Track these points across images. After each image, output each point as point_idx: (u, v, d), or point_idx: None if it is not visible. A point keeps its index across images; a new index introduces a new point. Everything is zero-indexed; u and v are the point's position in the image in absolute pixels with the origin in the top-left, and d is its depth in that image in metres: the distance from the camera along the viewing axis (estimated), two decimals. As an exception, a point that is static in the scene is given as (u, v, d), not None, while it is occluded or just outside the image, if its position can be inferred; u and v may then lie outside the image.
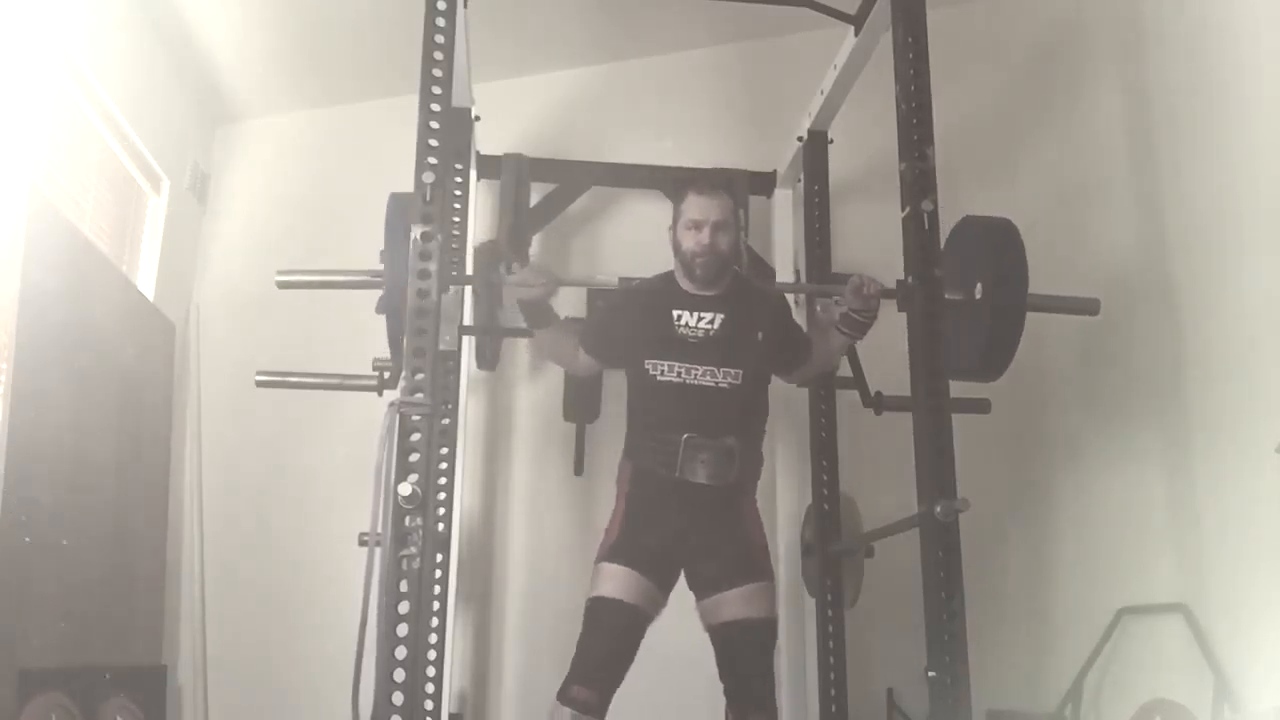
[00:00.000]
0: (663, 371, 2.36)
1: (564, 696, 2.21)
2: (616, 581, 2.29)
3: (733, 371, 2.36)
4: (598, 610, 2.28)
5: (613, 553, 2.34)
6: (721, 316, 2.39)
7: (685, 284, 2.45)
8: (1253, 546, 2.43)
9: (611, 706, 2.27)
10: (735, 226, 2.47)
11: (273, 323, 3.66)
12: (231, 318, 3.70)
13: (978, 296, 2.52)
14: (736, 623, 2.29)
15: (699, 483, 2.30)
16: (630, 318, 2.48)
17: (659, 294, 2.46)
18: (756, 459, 2.46)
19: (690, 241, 2.40)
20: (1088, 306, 2.67)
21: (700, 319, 2.39)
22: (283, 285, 2.47)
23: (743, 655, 2.30)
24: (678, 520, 2.34)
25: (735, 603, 2.30)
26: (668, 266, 3.78)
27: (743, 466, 2.36)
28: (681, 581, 2.39)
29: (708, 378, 2.35)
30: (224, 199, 3.89)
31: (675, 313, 2.39)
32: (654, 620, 2.32)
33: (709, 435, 2.31)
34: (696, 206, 2.42)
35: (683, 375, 2.35)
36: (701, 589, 2.35)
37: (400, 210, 2.41)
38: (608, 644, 2.25)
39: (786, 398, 3.50)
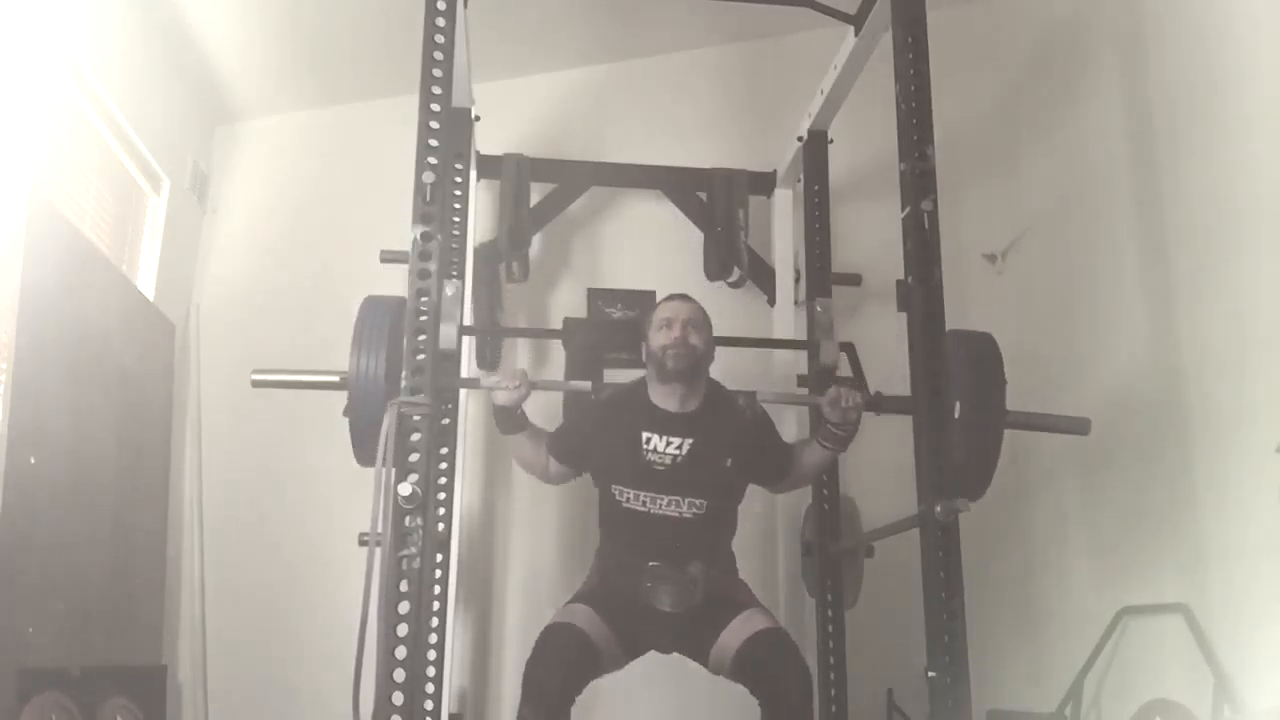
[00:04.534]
0: (628, 499, 2.37)
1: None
2: (576, 615, 2.30)
3: (698, 502, 2.36)
4: (551, 631, 2.24)
5: (584, 596, 2.38)
6: (690, 442, 2.37)
7: (658, 394, 2.42)
8: (1253, 546, 2.44)
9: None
10: (708, 331, 2.45)
11: (273, 323, 3.67)
12: (231, 318, 3.70)
13: (956, 415, 2.36)
14: (744, 644, 2.26)
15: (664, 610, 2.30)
16: (599, 433, 2.47)
17: (630, 409, 2.43)
18: (728, 562, 2.46)
19: (662, 338, 2.39)
20: (1076, 426, 2.54)
21: (669, 444, 2.37)
22: (258, 384, 2.42)
23: (769, 664, 2.23)
24: (648, 626, 2.35)
25: (734, 633, 2.29)
26: (665, 269, 3.85)
27: (708, 588, 2.33)
28: None
29: (672, 508, 2.35)
30: (224, 199, 3.89)
31: (644, 435, 2.38)
32: (605, 670, 2.30)
33: (673, 564, 2.31)
34: (667, 308, 2.45)
35: (647, 505, 2.36)
36: (702, 655, 2.35)
37: (372, 314, 2.36)
38: (553, 662, 2.18)
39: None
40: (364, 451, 2.31)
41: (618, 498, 2.39)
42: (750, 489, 2.55)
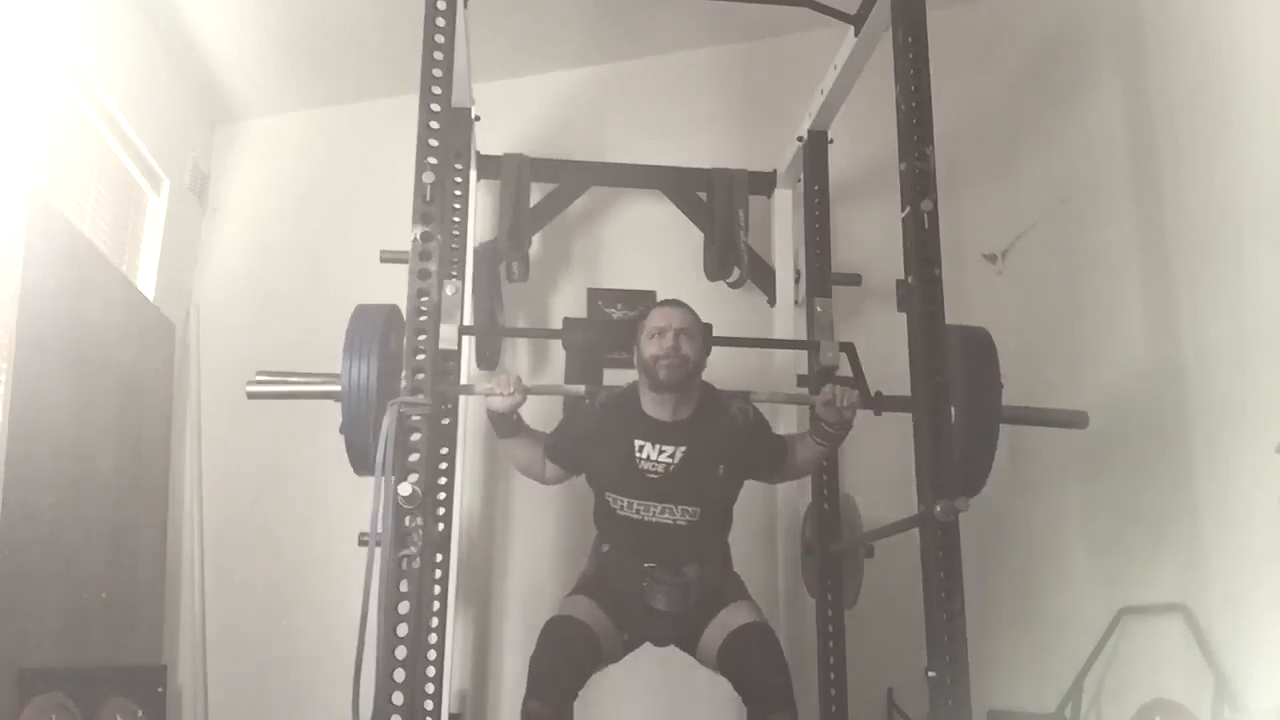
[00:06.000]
0: (622, 506, 2.40)
1: (523, 712, 2.21)
2: (578, 607, 2.35)
3: (690, 509, 2.38)
4: (553, 625, 2.30)
5: (583, 587, 2.42)
6: (683, 450, 2.38)
7: (650, 403, 2.42)
8: (1252, 547, 2.43)
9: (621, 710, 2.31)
10: (700, 339, 2.43)
11: (273, 323, 3.67)
12: (231, 318, 3.71)
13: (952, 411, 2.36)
14: (728, 638, 2.31)
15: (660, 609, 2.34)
16: (593, 439, 2.47)
17: (622, 418, 2.43)
18: (719, 572, 2.48)
19: (654, 347, 2.37)
20: (1074, 420, 2.54)
21: (661, 452, 2.38)
22: (252, 396, 2.43)
23: (747, 659, 2.30)
24: (644, 621, 2.39)
25: (720, 626, 2.34)
26: (665, 269, 3.85)
27: (704, 589, 2.38)
28: None
29: (665, 515, 2.38)
30: (224, 199, 3.89)
31: (637, 443, 2.38)
32: (605, 661, 2.35)
33: (668, 567, 2.35)
34: (660, 315, 2.43)
35: (641, 513, 2.38)
36: (690, 644, 2.40)
37: (363, 324, 2.35)
38: (561, 652, 2.24)
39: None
40: (360, 461, 2.32)
41: (612, 505, 2.42)
42: (747, 491, 2.56)
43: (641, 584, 2.35)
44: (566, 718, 2.21)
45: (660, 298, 3.79)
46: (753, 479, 2.58)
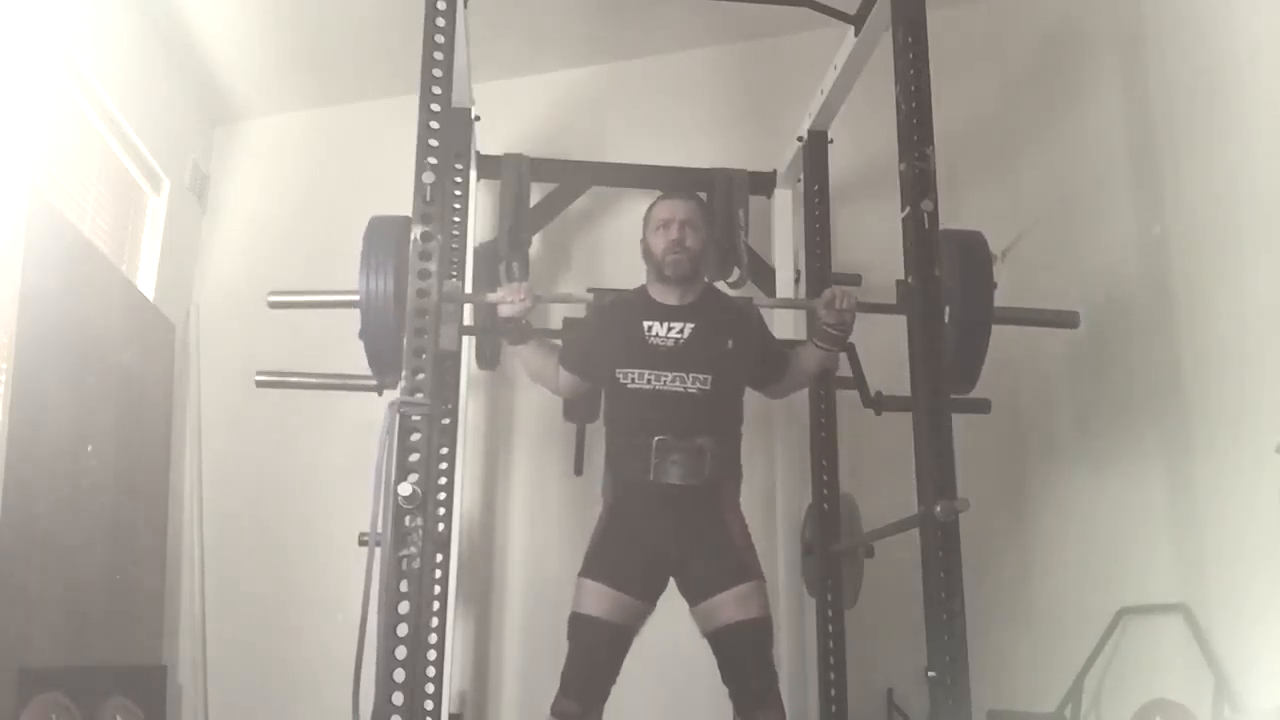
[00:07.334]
0: (633, 379, 2.41)
1: (554, 709, 2.27)
2: (594, 599, 2.32)
3: (702, 377, 2.40)
4: (577, 627, 2.32)
5: (591, 567, 2.37)
6: (691, 326, 2.44)
7: (657, 291, 2.50)
8: (1253, 546, 2.43)
9: (615, 706, 2.31)
10: (705, 229, 2.50)
11: (273, 323, 3.65)
12: (231, 318, 3.70)
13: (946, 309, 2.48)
14: (732, 626, 2.30)
15: (675, 484, 2.33)
16: (604, 331, 2.54)
17: (631, 306, 2.51)
18: (734, 462, 2.48)
19: (660, 241, 2.46)
20: (1065, 320, 2.62)
21: (670, 329, 2.43)
22: (274, 305, 2.52)
23: (742, 657, 2.30)
24: (660, 528, 2.36)
25: (728, 606, 2.31)
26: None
27: (717, 467, 2.37)
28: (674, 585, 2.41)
29: (677, 383, 2.40)
30: (224, 199, 3.89)
31: (646, 323, 2.45)
32: (638, 631, 2.35)
33: (680, 437, 2.35)
34: (665, 207, 2.49)
35: (652, 381, 2.40)
36: (693, 595, 2.36)
37: (378, 234, 2.42)
38: (589, 660, 2.29)
39: (787, 397, 3.50)
40: (379, 364, 2.42)
41: (623, 381, 2.42)
42: (747, 487, 2.55)
43: (653, 460, 2.34)
44: (596, 714, 2.28)
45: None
46: (758, 382, 2.61)
